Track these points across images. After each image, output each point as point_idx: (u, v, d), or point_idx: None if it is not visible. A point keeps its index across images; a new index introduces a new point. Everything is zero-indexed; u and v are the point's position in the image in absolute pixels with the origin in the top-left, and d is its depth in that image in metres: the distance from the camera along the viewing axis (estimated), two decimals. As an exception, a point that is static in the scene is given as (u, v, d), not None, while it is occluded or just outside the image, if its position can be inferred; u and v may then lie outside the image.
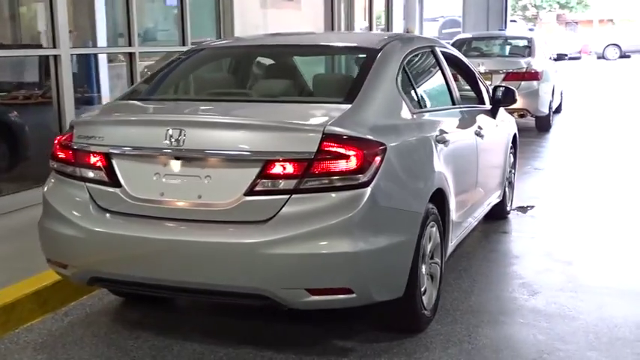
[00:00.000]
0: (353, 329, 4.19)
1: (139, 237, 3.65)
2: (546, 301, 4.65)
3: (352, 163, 3.44)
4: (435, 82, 5.04)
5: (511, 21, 17.45)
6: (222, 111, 3.98)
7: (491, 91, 5.93)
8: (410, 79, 4.43)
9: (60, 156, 3.99)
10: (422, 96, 4.59)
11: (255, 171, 3.49)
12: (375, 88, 3.99)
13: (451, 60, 5.43)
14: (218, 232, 3.52)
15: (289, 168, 3.44)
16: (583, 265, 5.41)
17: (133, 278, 3.73)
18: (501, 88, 5.88)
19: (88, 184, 3.85)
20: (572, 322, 4.29)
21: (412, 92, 4.42)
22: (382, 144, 3.58)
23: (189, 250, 3.55)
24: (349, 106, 3.79)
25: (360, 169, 3.44)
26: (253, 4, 10.49)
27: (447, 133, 4.48)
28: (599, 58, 39.06)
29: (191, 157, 3.61)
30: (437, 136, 4.32)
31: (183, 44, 8.54)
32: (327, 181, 3.43)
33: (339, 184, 3.44)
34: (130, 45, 8.02)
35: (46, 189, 4.08)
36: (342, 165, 3.43)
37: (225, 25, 9.93)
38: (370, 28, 15.55)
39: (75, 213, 3.84)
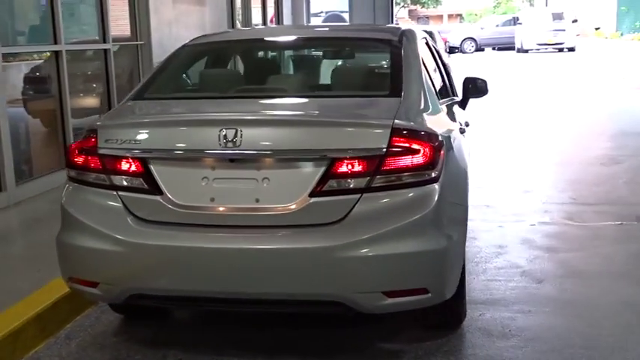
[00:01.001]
0: (391, 330, 4.14)
1: (190, 247, 3.41)
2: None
3: (422, 158, 3.37)
4: (437, 73, 5.07)
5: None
6: (272, 108, 3.79)
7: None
8: (427, 70, 4.43)
9: (80, 163, 3.65)
10: (436, 87, 4.60)
11: (320, 170, 3.35)
12: (413, 81, 3.96)
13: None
14: (283, 238, 3.36)
15: (359, 165, 3.33)
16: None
17: (182, 292, 3.48)
18: (473, 79, 5.98)
19: (120, 193, 3.54)
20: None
21: (432, 83, 4.42)
22: (441, 137, 3.54)
23: (250, 258, 3.36)
24: (399, 99, 3.73)
25: (431, 164, 3.39)
26: (166, 0, 10.16)
27: (463, 124, 4.52)
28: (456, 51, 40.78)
29: (247, 159, 3.41)
30: (460, 127, 4.35)
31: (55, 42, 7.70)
32: (398, 178, 3.36)
33: (409, 180, 3.37)
34: (55, 43, 7.52)
35: (64, 200, 3.72)
36: (412, 160, 3.37)
37: (140, 22, 9.54)
38: (264, 23, 15.50)
39: (108, 225, 3.52)
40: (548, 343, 3.94)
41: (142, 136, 3.54)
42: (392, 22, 17.56)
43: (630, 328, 4.10)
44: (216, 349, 3.92)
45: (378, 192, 3.34)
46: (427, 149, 3.38)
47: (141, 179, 3.50)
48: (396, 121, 3.42)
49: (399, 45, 4.29)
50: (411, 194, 3.37)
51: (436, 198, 3.39)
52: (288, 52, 5.00)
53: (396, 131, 3.36)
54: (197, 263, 3.40)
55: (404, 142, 3.36)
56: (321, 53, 4.92)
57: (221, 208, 3.44)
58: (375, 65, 4.48)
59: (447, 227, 3.46)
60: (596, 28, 28.54)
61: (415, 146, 3.37)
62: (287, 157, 3.39)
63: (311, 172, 3.36)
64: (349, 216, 3.33)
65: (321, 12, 22.89)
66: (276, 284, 3.35)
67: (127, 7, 9.41)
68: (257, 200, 3.41)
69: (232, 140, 3.35)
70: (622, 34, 23.27)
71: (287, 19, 17.04)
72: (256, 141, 3.38)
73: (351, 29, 5.53)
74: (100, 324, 4.37)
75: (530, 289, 4.77)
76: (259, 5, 15.46)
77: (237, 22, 13.46)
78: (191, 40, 4.79)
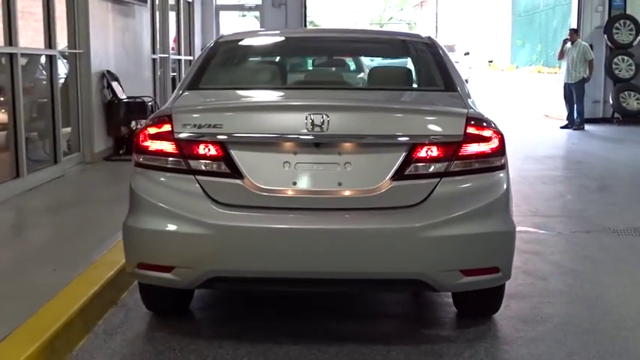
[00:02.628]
0: (430, 319, 4.50)
1: (274, 228, 3.65)
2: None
3: (493, 146, 3.79)
4: None
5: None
6: (350, 97, 4.09)
7: None
8: None
9: (153, 148, 3.81)
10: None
11: (400, 155, 3.69)
12: (459, 78, 4.39)
13: None
14: (367, 219, 3.66)
15: (438, 151, 3.70)
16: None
17: (263, 274, 3.70)
18: None
19: (199, 177, 3.73)
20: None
21: None
22: None
23: (335, 237, 3.64)
24: (457, 93, 4.15)
25: (500, 152, 3.81)
26: (101, 8, 10.22)
27: None
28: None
29: (331, 144, 3.70)
30: None
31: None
32: (473, 164, 3.75)
33: (482, 166, 3.77)
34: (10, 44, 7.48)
35: (135, 185, 3.86)
36: (485, 147, 3.77)
37: (79, 28, 9.55)
38: (179, 47, 15.74)
39: (187, 208, 3.71)
40: (581, 325, 4.41)
41: (223, 120, 3.75)
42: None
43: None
44: (276, 339, 4.13)
45: (455, 176, 3.72)
46: (497, 138, 3.80)
47: (222, 163, 3.71)
48: (470, 110, 3.82)
49: (434, 46, 4.72)
50: (484, 179, 3.78)
51: (505, 183, 3.81)
52: (334, 51, 5.34)
53: (470, 120, 3.77)
54: (280, 244, 3.64)
55: (478, 130, 3.76)
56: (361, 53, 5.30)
57: (304, 192, 3.70)
58: (422, 63, 4.88)
59: (510, 211, 3.88)
60: (490, 61, 30.35)
61: (487, 134, 3.78)
62: (370, 142, 3.72)
63: (392, 156, 3.70)
64: (429, 198, 3.68)
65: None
66: (361, 264, 3.65)
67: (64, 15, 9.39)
68: (339, 184, 3.70)
69: (320, 125, 3.64)
70: (517, 67, 24.88)
71: (197, 40, 17.24)
72: (342, 126, 3.68)
73: (386, 33, 5.99)
74: (131, 321, 4.46)
75: (538, 285, 5.25)
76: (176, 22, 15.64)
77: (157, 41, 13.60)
78: (227, 35, 5.03)
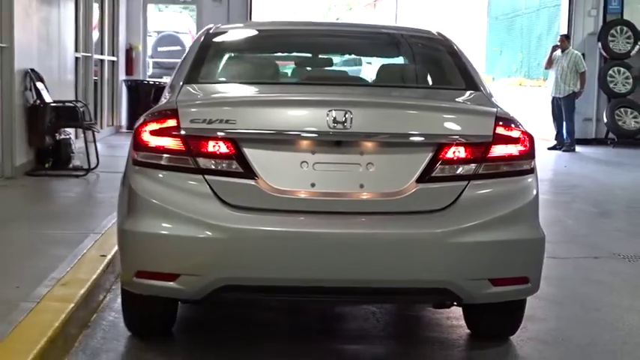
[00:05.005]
0: (445, 341, 5.02)
1: (291, 232, 4.09)
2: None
3: (523, 148, 4.32)
4: None
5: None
6: (370, 93, 4.58)
7: None
8: None
9: (155, 145, 4.21)
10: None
11: (426, 156, 4.19)
12: (479, 76, 4.96)
13: None
14: (392, 223, 4.15)
15: (467, 152, 4.22)
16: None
17: (279, 282, 4.14)
18: None
19: (208, 176, 4.15)
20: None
21: None
22: None
23: (357, 244, 4.11)
24: (481, 93, 4.70)
25: (531, 154, 4.35)
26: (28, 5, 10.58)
27: None
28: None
29: (353, 143, 4.18)
30: None
31: None
32: (502, 166, 4.28)
33: (512, 169, 4.31)
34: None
35: (133, 184, 4.24)
36: (514, 150, 4.30)
37: (2, 17, 9.85)
38: (102, 40, 16.03)
39: (195, 210, 4.11)
40: (606, 346, 5.00)
41: (237, 115, 4.18)
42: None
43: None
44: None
45: (485, 179, 4.24)
46: (527, 139, 4.34)
47: (234, 162, 4.15)
48: (498, 109, 4.37)
49: (448, 42, 5.28)
50: (513, 183, 4.31)
51: (535, 188, 4.36)
52: (342, 47, 5.86)
53: (499, 120, 4.30)
54: (298, 250, 4.09)
55: (507, 131, 4.30)
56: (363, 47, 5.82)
57: (324, 194, 4.16)
58: (437, 60, 5.41)
59: (538, 218, 4.42)
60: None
61: (516, 135, 4.32)
62: (395, 141, 4.21)
63: (418, 157, 4.20)
64: (457, 202, 4.19)
65: (153, 32, 23.54)
66: (384, 271, 4.12)
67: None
68: (361, 186, 4.18)
69: (342, 122, 4.12)
70: (494, 79, 25.75)
71: (122, 38, 17.60)
72: (365, 124, 4.16)
73: (393, 28, 6.55)
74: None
75: (553, 308, 5.84)
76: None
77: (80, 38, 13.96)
78: (218, 27, 5.49)
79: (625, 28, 18.15)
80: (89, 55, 14.73)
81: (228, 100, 4.35)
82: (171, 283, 4.16)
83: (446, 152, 4.21)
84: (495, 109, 4.37)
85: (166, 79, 14.23)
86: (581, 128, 17.66)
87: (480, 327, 4.97)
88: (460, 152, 4.22)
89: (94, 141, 11.47)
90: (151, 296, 4.43)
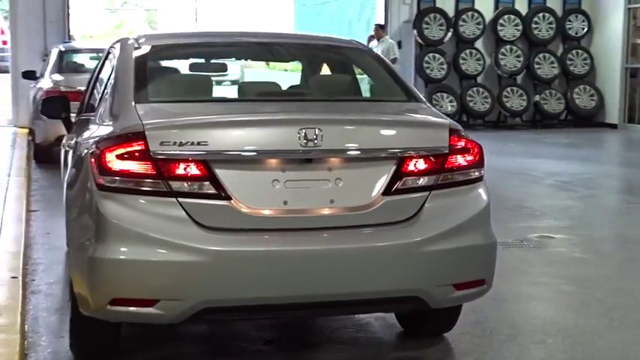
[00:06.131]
0: (393, 341, 5.24)
1: (269, 251, 4.20)
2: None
3: (475, 158, 4.59)
4: None
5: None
6: (332, 109, 4.68)
7: None
8: None
9: (122, 168, 4.15)
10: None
11: (389, 169, 4.38)
12: (412, 86, 5.17)
13: None
14: (363, 237, 4.32)
15: (427, 164, 4.44)
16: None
17: (260, 301, 4.22)
18: None
19: (181, 199, 4.16)
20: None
21: None
22: None
23: (333, 259, 4.26)
24: (421, 104, 4.93)
25: (481, 163, 4.63)
26: None
27: None
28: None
29: (321, 159, 4.30)
30: None
31: None
32: (458, 176, 4.54)
33: (466, 178, 4.57)
34: None
35: (102, 210, 4.16)
36: (467, 159, 4.56)
37: None
38: None
39: (172, 234, 4.11)
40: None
41: (208, 137, 4.19)
42: (68, 40, 18.00)
43: None
44: None
45: (443, 189, 4.48)
46: (477, 149, 4.61)
47: (207, 183, 4.17)
48: (450, 121, 4.60)
49: (372, 53, 5.46)
50: (468, 191, 4.58)
51: (487, 195, 4.64)
52: (278, 57, 5.88)
53: (452, 131, 4.55)
54: (276, 269, 4.19)
55: (460, 142, 4.55)
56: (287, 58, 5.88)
57: (296, 211, 4.28)
58: (375, 72, 5.54)
59: (490, 224, 4.71)
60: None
61: (468, 146, 4.58)
62: (361, 156, 4.37)
63: (382, 170, 4.38)
64: (421, 212, 4.41)
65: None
66: (360, 283, 4.29)
67: None
68: (332, 201, 4.32)
69: (313, 140, 4.23)
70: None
71: None
72: (334, 141, 4.30)
73: (310, 37, 6.58)
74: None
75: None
76: None
77: None
78: (141, 40, 5.34)
79: (438, 16, 19.00)
80: None
81: (200, 122, 4.33)
82: (150, 309, 4.15)
83: (408, 165, 4.40)
84: (448, 121, 4.60)
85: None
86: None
87: (423, 326, 5.17)
88: (420, 164, 4.43)
89: None
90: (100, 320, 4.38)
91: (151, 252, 4.12)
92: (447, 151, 4.48)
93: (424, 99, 5.11)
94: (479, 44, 19.44)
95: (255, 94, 5.19)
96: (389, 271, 4.32)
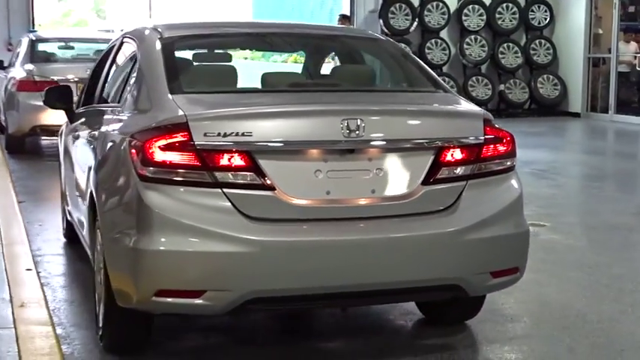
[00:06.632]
0: (416, 330, 5.29)
1: (315, 241, 4.23)
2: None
3: (507, 147, 4.66)
4: None
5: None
6: (373, 100, 4.71)
7: None
8: None
9: (165, 159, 4.15)
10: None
11: (428, 159, 4.43)
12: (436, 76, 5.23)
13: None
14: (405, 226, 4.37)
15: (464, 154, 4.49)
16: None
17: (305, 291, 4.25)
18: None
19: (227, 190, 4.17)
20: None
21: None
22: None
23: (378, 249, 4.30)
24: (450, 94, 4.98)
25: (513, 152, 4.70)
26: None
27: None
28: None
29: (362, 149, 4.33)
30: None
31: None
32: (492, 166, 4.60)
33: (499, 167, 4.64)
34: None
35: (147, 201, 4.14)
36: (501, 149, 4.63)
37: None
38: None
39: (220, 225, 4.12)
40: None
41: (252, 128, 4.20)
42: (33, 29, 17.77)
43: None
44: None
45: (479, 178, 4.54)
46: (509, 138, 4.68)
47: (252, 174, 4.18)
48: (484, 112, 4.66)
49: (398, 45, 5.50)
50: (503, 180, 4.65)
51: (519, 184, 4.71)
52: (308, 49, 5.88)
53: (486, 121, 4.61)
54: (322, 258, 4.22)
55: (494, 132, 4.62)
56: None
57: (338, 201, 4.31)
58: (402, 62, 5.58)
59: (524, 212, 4.78)
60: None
61: (502, 135, 4.65)
62: (401, 146, 4.40)
63: (421, 160, 4.43)
64: (459, 202, 4.47)
65: None
66: (403, 272, 4.35)
67: None
68: (373, 191, 4.36)
69: (355, 130, 4.26)
70: (264, 56, 26.17)
71: None
72: (375, 131, 4.34)
73: (331, 28, 6.60)
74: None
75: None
76: None
77: None
78: (167, 30, 5.30)
79: (403, 5, 19.18)
80: None
81: (244, 113, 4.34)
82: (197, 300, 4.15)
83: (445, 155, 4.46)
84: (482, 111, 4.66)
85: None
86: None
87: (448, 314, 5.23)
88: (457, 154, 4.48)
89: None
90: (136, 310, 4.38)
91: (198, 243, 4.12)
92: (482, 141, 4.54)
93: (450, 89, 5.16)
94: (444, 34, 19.65)
95: (285, 85, 5.19)
96: (430, 259, 4.37)
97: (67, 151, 6.72)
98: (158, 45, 5.04)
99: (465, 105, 4.86)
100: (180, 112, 4.28)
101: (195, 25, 6.09)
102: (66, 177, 6.78)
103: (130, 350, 4.75)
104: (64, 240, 7.32)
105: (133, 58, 5.28)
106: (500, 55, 19.65)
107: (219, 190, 4.17)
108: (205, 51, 5.69)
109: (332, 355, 4.93)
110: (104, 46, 14.73)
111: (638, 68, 18.88)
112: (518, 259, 4.69)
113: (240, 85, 5.14)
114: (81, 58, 14.06)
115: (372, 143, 4.35)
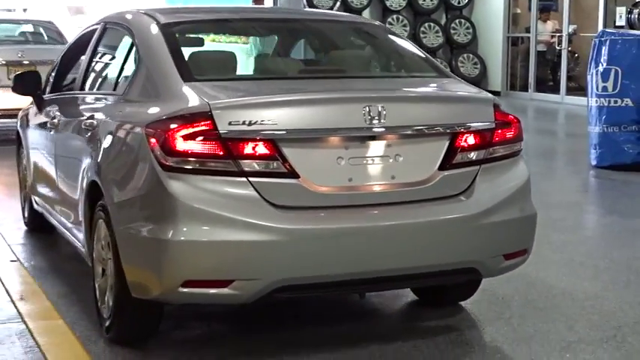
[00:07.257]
0: (414, 312, 5.36)
1: (339, 228, 4.24)
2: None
3: (514, 131, 4.76)
4: None
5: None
6: (389, 86, 4.73)
7: None
8: None
9: (189, 149, 4.10)
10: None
11: (444, 144, 4.49)
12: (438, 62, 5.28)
13: None
14: (425, 211, 4.43)
15: (476, 139, 4.57)
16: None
17: (331, 278, 4.27)
18: None
19: (252, 179, 4.14)
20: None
21: None
22: None
23: (400, 234, 4.35)
24: (455, 79, 5.03)
25: (520, 136, 4.80)
26: None
27: None
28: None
29: (382, 136, 4.36)
30: None
31: None
32: (502, 150, 4.69)
33: (509, 151, 4.73)
34: None
35: (171, 190, 4.09)
36: (510, 134, 4.73)
37: None
38: None
39: (247, 213, 4.11)
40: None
41: (276, 116, 4.19)
42: None
43: None
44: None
45: (492, 162, 4.63)
46: (517, 123, 4.77)
47: (276, 162, 4.17)
48: (493, 97, 4.74)
49: (387, 29, 5.53)
50: (512, 164, 4.75)
51: (526, 168, 4.80)
52: (311, 35, 5.84)
53: (496, 107, 4.69)
54: (347, 245, 4.24)
55: (504, 117, 4.71)
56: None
57: (361, 188, 4.35)
58: (398, 46, 5.59)
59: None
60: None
61: (510, 120, 4.74)
62: (420, 133, 4.46)
63: (438, 146, 4.49)
64: (473, 186, 4.55)
65: None
66: (424, 257, 4.42)
67: None
68: (393, 177, 4.41)
69: (377, 117, 4.28)
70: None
71: None
72: (395, 117, 4.37)
73: (333, 14, 6.54)
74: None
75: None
76: None
77: None
78: (162, 14, 5.18)
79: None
80: None
81: (268, 101, 4.30)
82: (225, 289, 4.14)
83: (460, 140, 4.53)
84: (492, 96, 4.74)
85: None
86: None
87: (443, 296, 5.31)
88: (471, 139, 4.56)
89: None
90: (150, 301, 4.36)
91: (225, 232, 4.09)
92: (493, 126, 4.62)
93: (452, 74, 5.22)
94: (366, 14, 19.67)
95: (297, 71, 5.17)
96: (450, 244, 4.45)
97: (36, 139, 6.55)
98: (158, 31, 4.93)
99: (474, 90, 4.92)
100: (202, 101, 4.22)
101: (186, 10, 6.00)
102: (34, 166, 6.60)
103: (138, 340, 4.69)
104: (25, 229, 7.15)
105: (126, 46, 5.17)
106: (421, 35, 19.85)
107: (245, 179, 4.14)
108: (204, 36, 5.59)
109: (338, 340, 4.92)
110: (28, 28, 14.52)
111: (556, 47, 19.30)
112: (527, 241, 4.80)
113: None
114: (8, 40, 13.74)
115: (393, 129, 4.38)
